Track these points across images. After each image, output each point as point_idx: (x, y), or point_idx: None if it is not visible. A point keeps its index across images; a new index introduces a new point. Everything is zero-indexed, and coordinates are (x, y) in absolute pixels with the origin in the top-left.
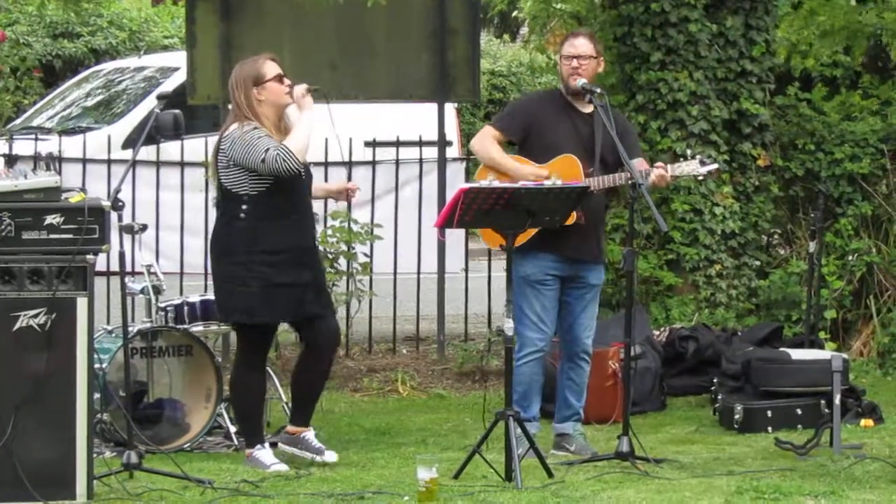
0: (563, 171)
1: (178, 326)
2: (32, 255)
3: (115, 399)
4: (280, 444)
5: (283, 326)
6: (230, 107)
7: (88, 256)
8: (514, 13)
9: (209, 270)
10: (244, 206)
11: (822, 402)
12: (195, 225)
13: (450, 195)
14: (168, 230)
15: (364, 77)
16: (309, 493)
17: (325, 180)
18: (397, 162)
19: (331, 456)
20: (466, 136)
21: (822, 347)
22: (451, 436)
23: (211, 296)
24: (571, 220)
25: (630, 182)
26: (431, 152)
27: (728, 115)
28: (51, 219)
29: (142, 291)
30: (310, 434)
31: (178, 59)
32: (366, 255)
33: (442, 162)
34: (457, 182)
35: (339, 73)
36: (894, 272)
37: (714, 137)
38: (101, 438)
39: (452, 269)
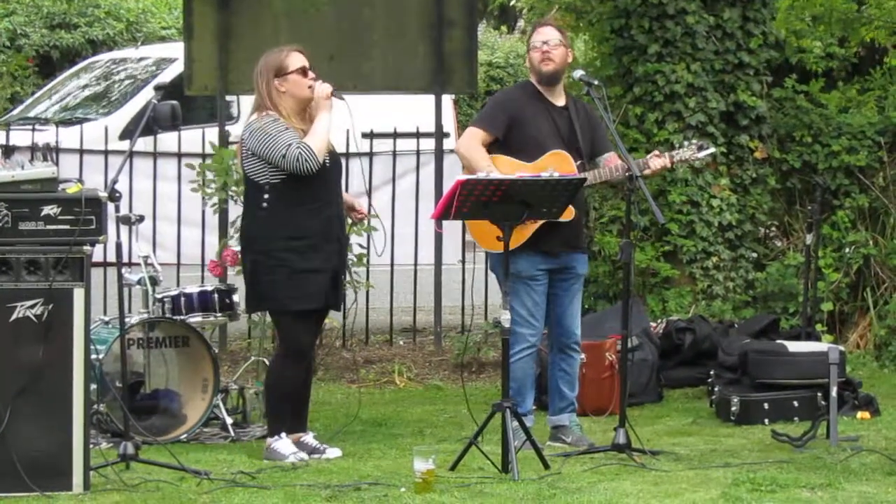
0: (556, 168)
1: (175, 317)
2: (29, 246)
3: (111, 390)
4: None
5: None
6: (254, 97)
7: (85, 247)
8: (512, 2)
9: (205, 262)
10: (266, 196)
11: (819, 394)
12: (192, 216)
13: (447, 187)
14: (165, 221)
15: (361, 68)
16: (305, 484)
17: None
18: (394, 154)
19: (334, 452)
20: (463, 127)
21: (818, 340)
22: (447, 427)
23: (208, 287)
24: (570, 216)
25: (627, 174)
26: (429, 144)
27: (725, 107)
28: (48, 209)
29: (139, 282)
30: (308, 437)
31: (176, 49)
32: (362, 246)
33: (439, 153)
34: (454, 174)
35: (337, 64)
36: (891, 264)
37: (711, 129)
38: (98, 429)
39: (449, 260)
